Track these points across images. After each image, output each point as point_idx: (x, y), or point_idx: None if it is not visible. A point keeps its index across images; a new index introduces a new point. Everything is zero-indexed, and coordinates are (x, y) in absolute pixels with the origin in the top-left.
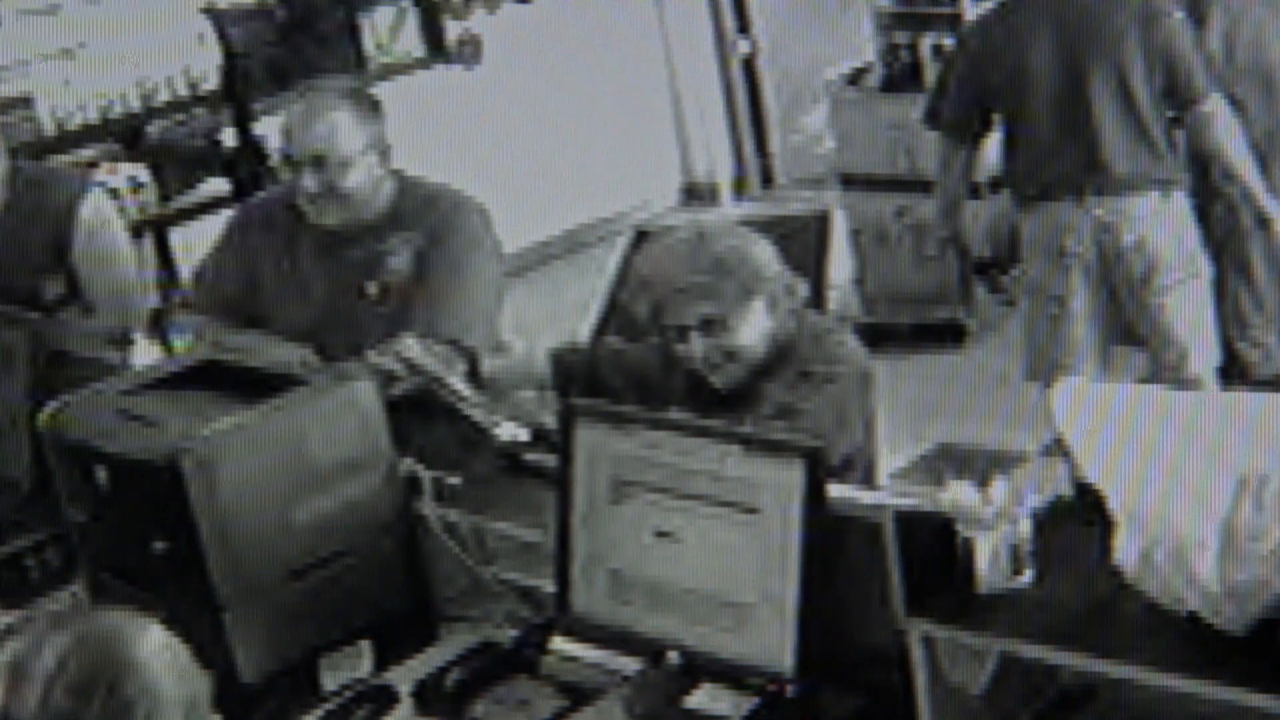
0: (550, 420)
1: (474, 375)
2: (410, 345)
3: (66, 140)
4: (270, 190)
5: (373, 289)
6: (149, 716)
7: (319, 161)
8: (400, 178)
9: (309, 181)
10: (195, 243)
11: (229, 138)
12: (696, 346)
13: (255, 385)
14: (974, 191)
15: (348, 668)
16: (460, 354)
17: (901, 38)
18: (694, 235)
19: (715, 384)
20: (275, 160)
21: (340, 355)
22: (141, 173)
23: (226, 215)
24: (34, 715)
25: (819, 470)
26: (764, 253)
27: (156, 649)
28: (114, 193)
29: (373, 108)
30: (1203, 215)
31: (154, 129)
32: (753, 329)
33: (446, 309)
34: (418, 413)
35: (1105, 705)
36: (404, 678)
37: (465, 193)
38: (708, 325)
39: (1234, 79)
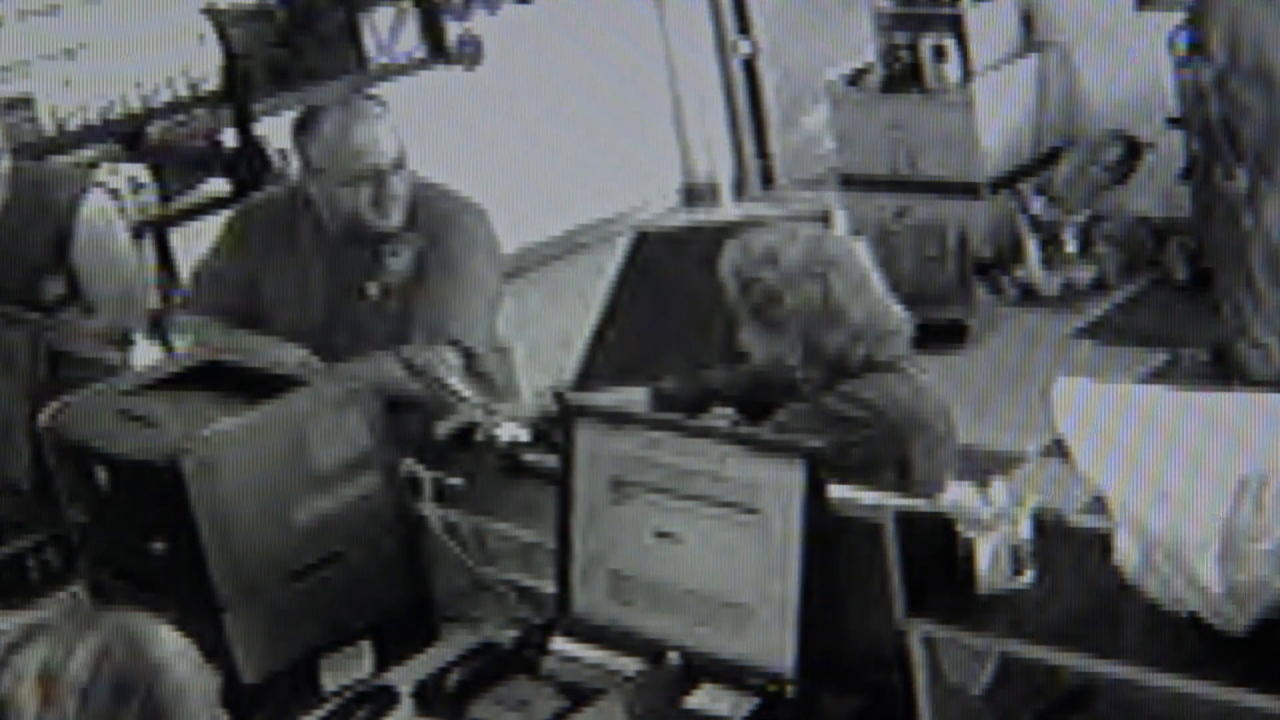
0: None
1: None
2: (418, 351)
3: (67, 141)
4: (269, 190)
5: (373, 290)
6: (182, 715)
7: (398, 165)
8: None
9: (397, 185)
10: (196, 243)
11: (229, 138)
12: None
13: (256, 386)
14: (974, 191)
15: (348, 668)
16: (459, 353)
17: (901, 38)
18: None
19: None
20: (279, 162)
21: (342, 356)
22: (142, 173)
23: (226, 215)
24: None
25: (820, 471)
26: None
27: (179, 648)
28: (114, 193)
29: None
30: (1204, 216)
31: (154, 129)
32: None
33: (447, 310)
34: (418, 413)
35: (1106, 705)
36: (404, 678)
37: (463, 193)
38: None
39: (1238, 80)
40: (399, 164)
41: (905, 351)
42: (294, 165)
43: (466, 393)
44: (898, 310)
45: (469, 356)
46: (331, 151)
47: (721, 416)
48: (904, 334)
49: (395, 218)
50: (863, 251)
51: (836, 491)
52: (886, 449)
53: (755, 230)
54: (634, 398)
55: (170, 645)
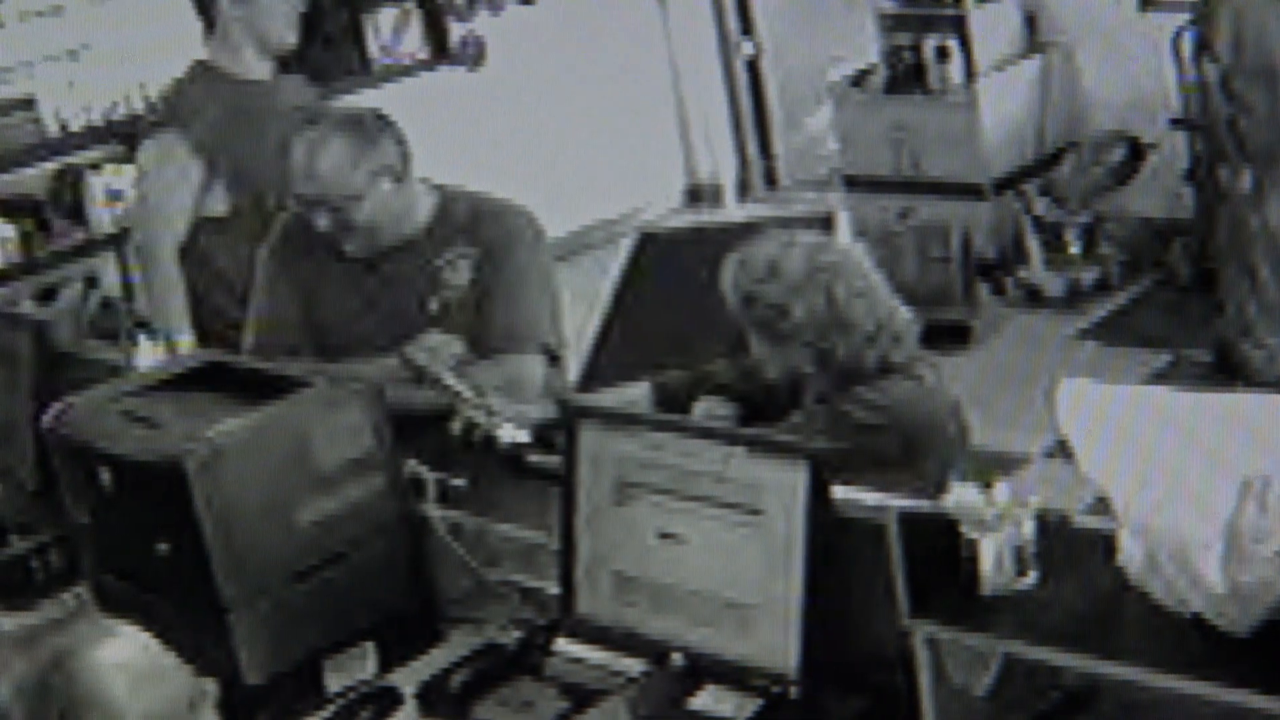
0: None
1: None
2: (417, 348)
3: (70, 142)
4: (299, 210)
5: (434, 305)
6: None
7: (323, 204)
8: (441, 191)
9: (320, 222)
10: None
11: None
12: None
13: (259, 387)
14: (978, 192)
15: (352, 669)
16: (545, 357)
17: (904, 39)
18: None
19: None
20: None
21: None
22: None
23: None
24: None
25: (823, 472)
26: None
27: (117, 665)
28: (117, 194)
29: (376, 133)
30: (1208, 216)
31: None
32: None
33: (522, 314)
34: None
35: (1109, 707)
36: (408, 679)
37: (506, 198)
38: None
39: (1242, 80)
40: (354, 198)
41: (917, 352)
42: None
43: (467, 392)
44: (904, 311)
45: (554, 359)
46: (288, 172)
47: (713, 407)
48: (913, 334)
49: (356, 247)
50: (862, 254)
51: (840, 492)
52: (902, 454)
53: (752, 244)
54: (635, 394)
55: (111, 661)
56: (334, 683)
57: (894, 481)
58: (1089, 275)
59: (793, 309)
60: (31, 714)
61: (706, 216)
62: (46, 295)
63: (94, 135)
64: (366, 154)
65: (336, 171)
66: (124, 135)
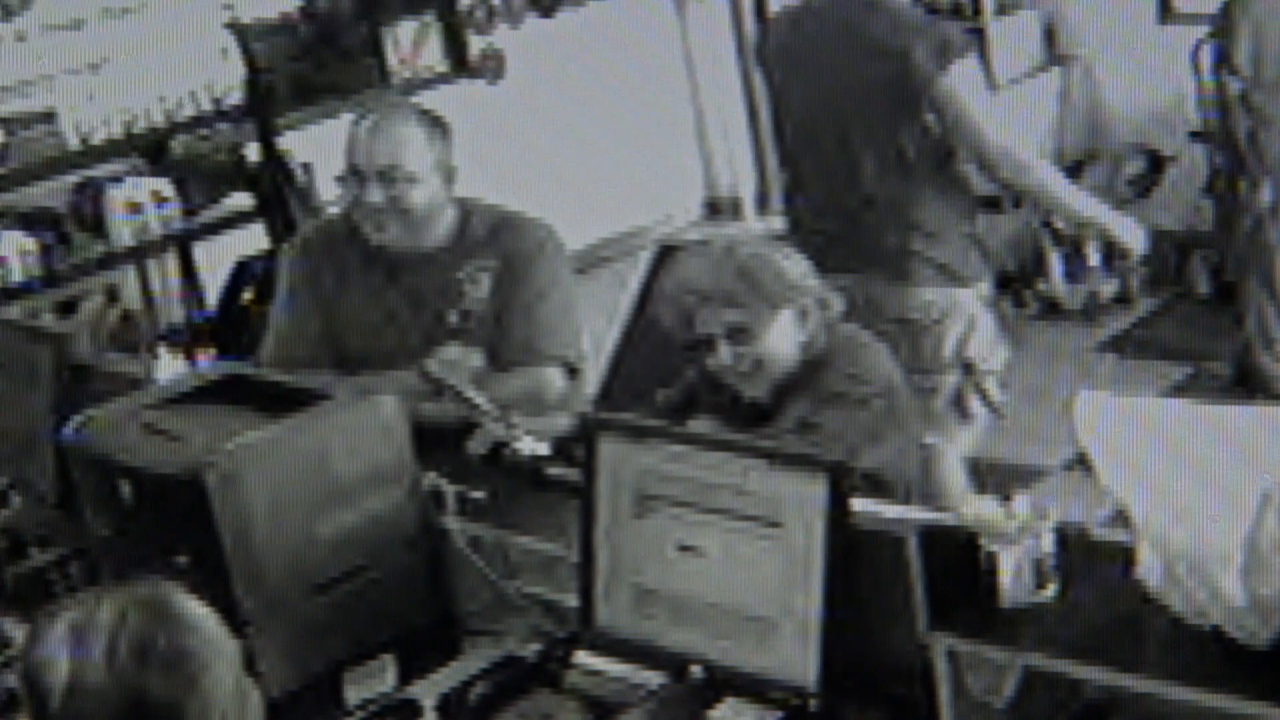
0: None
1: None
2: (436, 362)
3: (90, 154)
4: (319, 222)
5: (454, 318)
6: (207, 666)
7: (386, 175)
8: (461, 203)
9: (374, 194)
10: (219, 257)
11: (253, 152)
12: (724, 355)
13: (279, 400)
14: (995, 205)
15: (371, 682)
16: (565, 371)
17: None
18: (721, 247)
19: (745, 394)
20: (302, 177)
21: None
22: (165, 187)
23: (251, 231)
24: (103, 678)
25: (843, 485)
26: (795, 265)
27: (203, 610)
28: (137, 207)
29: (442, 131)
30: (1227, 230)
31: (178, 143)
32: (781, 339)
33: (541, 328)
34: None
35: (1129, 719)
36: (428, 692)
37: (526, 211)
38: (734, 334)
39: (1262, 94)
40: (414, 179)
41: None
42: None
43: (487, 405)
44: (815, 284)
45: (573, 372)
46: (352, 141)
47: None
48: (834, 308)
49: (390, 233)
50: (771, 245)
51: (859, 505)
52: (895, 417)
53: (670, 269)
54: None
55: (193, 604)
56: (354, 695)
57: (897, 448)
58: (1108, 288)
59: (717, 328)
60: (140, 639)
61: (726, 229)
62: (67, 308)
63: (114, 148)
64: (436, 143)
65: (412, 145)
66: (144, 148)
